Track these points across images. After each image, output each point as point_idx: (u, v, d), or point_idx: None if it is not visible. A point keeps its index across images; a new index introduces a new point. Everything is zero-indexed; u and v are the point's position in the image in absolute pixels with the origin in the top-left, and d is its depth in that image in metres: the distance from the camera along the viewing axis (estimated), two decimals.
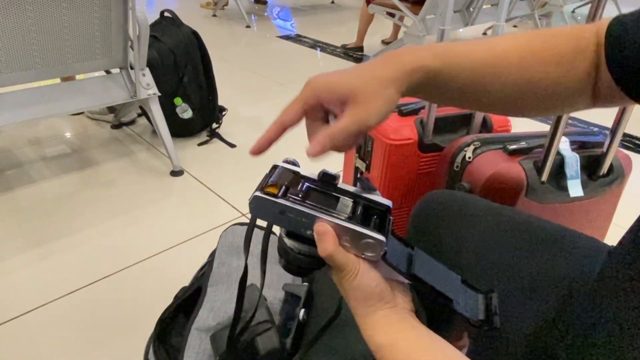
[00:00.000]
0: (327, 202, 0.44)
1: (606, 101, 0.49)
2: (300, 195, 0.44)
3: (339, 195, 0.45)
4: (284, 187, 0.44)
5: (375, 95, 0.44)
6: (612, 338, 0.40)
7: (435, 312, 0.46)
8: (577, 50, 0.47)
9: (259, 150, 0.45)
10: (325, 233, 0.41)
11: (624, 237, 0.45)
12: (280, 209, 0.42)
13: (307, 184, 0.46)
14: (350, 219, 0.42)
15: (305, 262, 0.46)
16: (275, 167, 0.47)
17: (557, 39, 0.49)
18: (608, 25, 0.46)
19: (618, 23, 0.45)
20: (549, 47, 0.48)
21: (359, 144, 0.52)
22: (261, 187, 0.43)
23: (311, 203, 0.43)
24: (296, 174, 0.46)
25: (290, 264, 0.47)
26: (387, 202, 0.45)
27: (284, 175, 0.46)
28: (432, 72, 0.45)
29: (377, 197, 0.45)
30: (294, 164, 0.48)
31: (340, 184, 0.46)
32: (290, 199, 0.43)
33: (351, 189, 0.46)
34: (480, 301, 0.46)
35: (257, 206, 0.43)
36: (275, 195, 0.43)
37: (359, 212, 0.44)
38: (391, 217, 0.45)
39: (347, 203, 0.44)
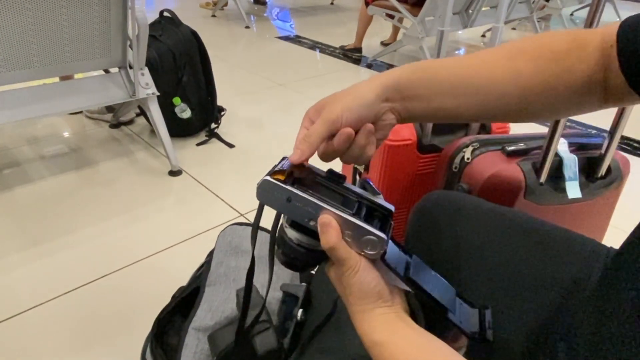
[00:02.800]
0: (333, 196, 0.45)
1: (617, 101, 0.49)
2: (307, 186, 0.44)
3: (344, 193, 0.46)
4: (292, 176, 0.44)
5: (343, 96, 0.46)
6: (613, 340, 0.40)
7: (433, 315, 0.46)
8: (574, 47, 0.47)
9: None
10: (329, 224, 0.42)
11: (627, 244, 0.44)
12: (287, 195, 0.43)
13: (314, 177, 0.47)
14: (354, 215, 0.43)
15: (303, 256, 0.46)
16: (284, 158, 0.47)
17: (550, 38, 0.49)
18: (619, 27, 0.45)
19: (627, 24, 0.45)
20: (540, 45, 0.49)
21: (360, 157, 0.51)
22: (270, 173, 0.44)
23: (317, 194, 0.44)
24: (304, 166, 0.47)
25: (287, 255, 0.47)
26: (390, 207, 0.46)
27: (292, 166, 0.46)
28: (412, 72, 0.49)
29: (381, 201, 0.46)
30: None
31: (346, 184, 0.47)
32: (298, 187, 0.43)
33: (356, 189, 0.47)
34: (474, 315, 0.47)
35: (264, 191, 0.44)
36: (283, 182, 0.43)
37: (362, 211, 0.44)
38: (392, 222, 0.45)
39: (351, 201, 0.45)
